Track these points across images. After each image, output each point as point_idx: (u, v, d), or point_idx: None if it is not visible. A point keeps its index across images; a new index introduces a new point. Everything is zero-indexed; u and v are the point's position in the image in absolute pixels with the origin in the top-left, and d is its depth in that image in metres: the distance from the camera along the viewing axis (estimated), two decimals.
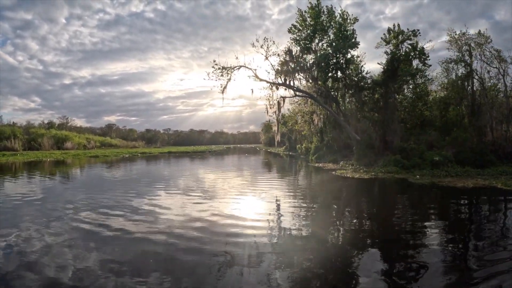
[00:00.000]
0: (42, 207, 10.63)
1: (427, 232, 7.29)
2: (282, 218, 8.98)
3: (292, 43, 26.52)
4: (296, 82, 27.25)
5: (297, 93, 27.76)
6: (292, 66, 26.31)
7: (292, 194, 13.55)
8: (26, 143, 64.65)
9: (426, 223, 8.11)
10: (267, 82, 26.21)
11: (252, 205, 11.00)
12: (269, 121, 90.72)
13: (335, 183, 16.41)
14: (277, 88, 27.10)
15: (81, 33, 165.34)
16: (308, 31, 25.58)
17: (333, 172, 20.22)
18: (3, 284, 4.80)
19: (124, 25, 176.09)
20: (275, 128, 34.33)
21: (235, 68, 24.53)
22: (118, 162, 36.87)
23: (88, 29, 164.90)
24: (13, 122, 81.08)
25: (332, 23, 25.03)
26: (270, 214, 9.42)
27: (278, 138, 34.46)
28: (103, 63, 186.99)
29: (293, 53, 26.87)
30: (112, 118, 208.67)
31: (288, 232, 7.49)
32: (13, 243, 6.74)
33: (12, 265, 5.54)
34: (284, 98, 28.71)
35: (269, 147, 75.65)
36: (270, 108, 29.15)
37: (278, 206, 10.67)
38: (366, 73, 26.10)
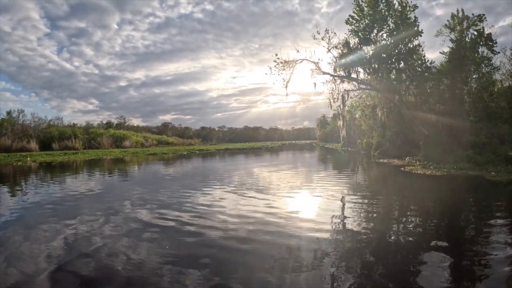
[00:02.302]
0: (101, 201, 11.48)
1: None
2: (347, 215, 8.66)
3: (349, 34, 26.39)
4: (355, 75, 27.13)
5: (361, 86, 27.51)
6: (352, 58, 26.17)
7: (360, 191, 12.99)
8: (86, 142, 71.32)
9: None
10: (331, 75, 26.35)
11: (313, 202, 10.68)
12: (324, 116, 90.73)
13: (406, 180, 16.01)
14: (342, 81, 27.10)
15: (133, 37, 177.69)
16: (367, 21, 25.32)
17: (402, 169, 19.77)
18: (63, 270, 5.34)
19: (174, 27, 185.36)
20: (340, 123, 34.15)
21: (297, 62, 24.91)
22: (176, 159, 38.26)
23: (139, 32, 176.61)
24: (73, 123, 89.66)
25: (391, 11, 24.53)
26: (334, 211, 9.12)
27: (343, 133, 34.18)
28: (156, 65, 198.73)
29: (351, 45, 26.70)
30: (167, 117, 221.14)
31: (353, 231, 7.20)
32: (73, 234, 7.42)
33: (72, 253, 6.13)
34: (348, 91, 28.64)
35: (326, 143, 74.87)
36: (334, 102, 29.27)
37: (344, 203, 10.21)
38: (430, 63, 25.07)
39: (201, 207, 10.01)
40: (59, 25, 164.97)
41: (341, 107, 30.68)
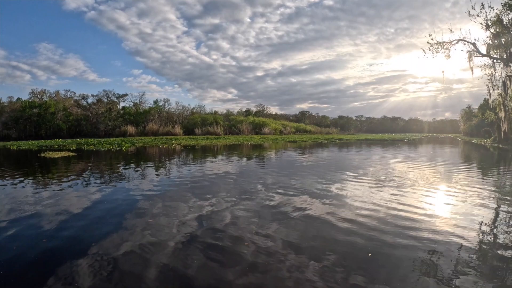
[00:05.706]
0: (236, 183, 12.08)
1: None
2: (496, 224, 7.48)
3: (502, 10, 22.44)
4: None
5: None
6: (507, 37, 22.23)
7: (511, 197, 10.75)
8: (227, 128, 77.83)
9: None
10: (492, 57, 23.13)
11: (453, 204, 9.40)
12: (469, 107, 79.46)
13: None
14: (506, 65, 23.46)
15: (266, 28, 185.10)
16: None
17: None
18: (192, 239, 5.99)
19: (306, 16, 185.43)
20: (501, 114, 29.68)
21: (452, 43, 22.58)
22: (313, 147, 37.11)
23: (272, 24, 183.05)
24: (215, 111, 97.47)
25: None
26: (478, 217, 7.87)
27: (505, 126, 29.51)
28: (291, 54, 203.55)
29: (504, 22, 22.59)
30: (304, 106, 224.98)
31: (500, 242, 6.20)
32: (206, 210, 8.13)
33: (202, 226, 6.79)
34: (511, 77, 24.55)
35: (471, 138, 65.17)
36: (493, 89, 25.61)
37: (498, 211, 8.72)
38: None
39: (333, 197, 9.90)
40: (195, 23, 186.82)
41: (503, 95, 26.46)
